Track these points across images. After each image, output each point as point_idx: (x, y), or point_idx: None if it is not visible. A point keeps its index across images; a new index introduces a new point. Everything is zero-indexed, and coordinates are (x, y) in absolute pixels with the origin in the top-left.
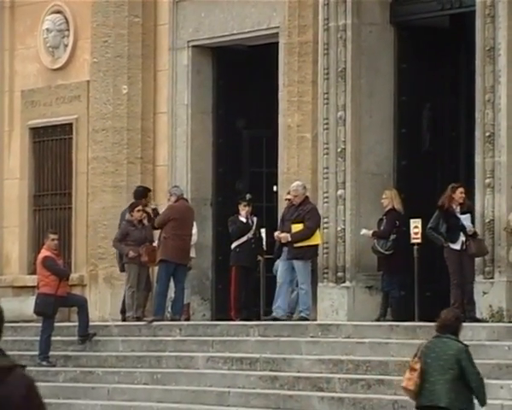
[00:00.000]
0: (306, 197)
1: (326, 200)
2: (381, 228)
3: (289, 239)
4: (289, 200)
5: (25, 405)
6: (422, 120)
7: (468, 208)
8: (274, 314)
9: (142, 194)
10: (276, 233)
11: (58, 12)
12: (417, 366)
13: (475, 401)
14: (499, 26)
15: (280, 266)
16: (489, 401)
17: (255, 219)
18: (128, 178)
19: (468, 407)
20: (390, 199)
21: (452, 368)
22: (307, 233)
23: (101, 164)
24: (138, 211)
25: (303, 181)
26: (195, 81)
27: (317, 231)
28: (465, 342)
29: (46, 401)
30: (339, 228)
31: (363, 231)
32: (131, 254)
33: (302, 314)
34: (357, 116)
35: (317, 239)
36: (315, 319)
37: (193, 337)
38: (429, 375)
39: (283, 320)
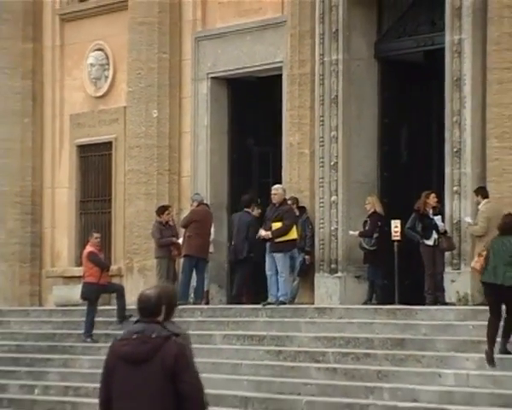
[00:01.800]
0: (284, 199)
1: (321, 205)
2: (366, 228)
3: (270, 236)
4: (273, 204)
5: (174, 363)
6: (401, 139)
7: (440, 211)
8: (268, 300)
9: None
10: (260, 232)
11: (100, 49)
12: (484, 254)
13: None
14: (464, 60)
15: (266, 259)
16: (457, 371)
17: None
18: (158, 187)
19: None
20: (372, 204)
21: (510, 255)
22: (285, 229)
23: (135, 175)
24: (167, 215)
25: (302, 189)
26: (213, 107)
27: (294, 228)
28: None
29: (90, 371)
30: (332, 228)
31: (351, 233)
32: (174, 240)
33: (281, 299)
34: (347, 135)
35: (293, 234)
36: (313, 303)
37: (211, 319)
38: (492, 261)
39: (276, 304)
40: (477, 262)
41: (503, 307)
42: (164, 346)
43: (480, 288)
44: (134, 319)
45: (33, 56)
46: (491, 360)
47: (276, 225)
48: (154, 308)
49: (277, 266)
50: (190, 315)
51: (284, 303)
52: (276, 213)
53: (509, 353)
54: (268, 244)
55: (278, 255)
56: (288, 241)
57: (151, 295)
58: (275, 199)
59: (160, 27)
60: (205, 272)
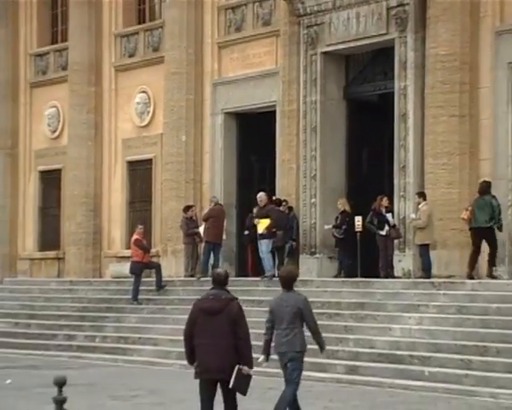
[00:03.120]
0: (267, 202)
1: (304, 205)
2: (337, 222)
3: (260, 231)
4: (259, 206)
5: (235, 315)
6: (362, 157)
7: (390, 210)
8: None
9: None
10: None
11: (144, 92)
12: (469, 208)
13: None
14: (408, 101)
15: (259, 246)
16: (402, 326)
17: None
18: (185, 192)
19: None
20: (342, 204)
21: (488, 208)
22: (272, 224)
23: (168, 183)
24: (191, 212)
25: (290, 194)
26: (226, 134)
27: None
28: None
29: (135, 325)
30: (312, 222)
31: (326, 226)
32: (201, 229)
33: (265, 274)
34: (323, 155)
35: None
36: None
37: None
38: (475, 213)
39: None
40: (465, 214)
41: (484, 243)
42: (229, 304)
43: (419, 265)
44: (168, 288)
45: (95, 97)
46: (471, 278)
47: (265, 222)
48: (224, 280)
49: (260, 249)
50: (209, 285)
51: (267, 277)
52: (262, 212)
53: (494, 277)
54: (258, 234)
55: (262, 241)
56: (269, 231)
57: (221, 272)
58: (261, 203)
59: (187, 76)
60: (219, 254)
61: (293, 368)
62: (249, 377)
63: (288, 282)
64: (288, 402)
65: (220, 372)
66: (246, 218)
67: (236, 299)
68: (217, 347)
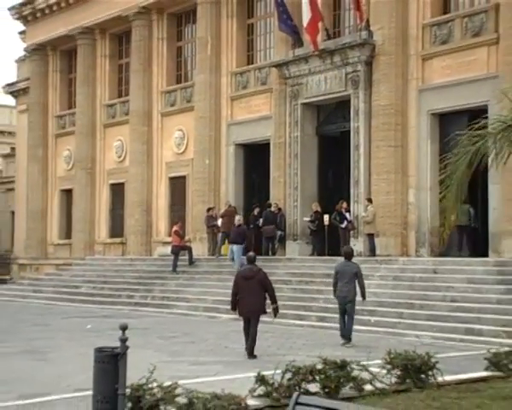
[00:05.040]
0: (241, 223)
1: (289, 207)
2: (312, 218)
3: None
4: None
5: (263, 279)
6: (329, 175)
7: (348, 210)
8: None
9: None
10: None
11: (180, 130)
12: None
13: None
14: (360, 136)
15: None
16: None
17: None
18: (208, 198)
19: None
20: (315, 206)
21: (467, 213)
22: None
23: (197, 192)
24: (212, 211)
25: (280, 199)
26: (236, 159)
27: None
28: None
29: (175, 288)
30: (294, 218)
31: (304, 218)
32: (238, 218)
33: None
34: (302, 173)
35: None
36: (284, 256)
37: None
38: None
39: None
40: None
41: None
42: (259, 272)
43: (367, 248)
44: (196, 264)
45: (147, 133)
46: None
47: (226, 247)
48: (253, 259)
49: (235, 253)
50: (223, 262)
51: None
52: (236, 230)
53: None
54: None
55: (234, 246)
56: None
57: (251, 255)
58: (237, 222)
59: (210, 119)
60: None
61: (351, 306)
62: (277, 309)
63: (348, 255)
64: (352, 326)
65: (251, 313)
66: (249, 216)
67: (261, 269)
68: (249, 299)
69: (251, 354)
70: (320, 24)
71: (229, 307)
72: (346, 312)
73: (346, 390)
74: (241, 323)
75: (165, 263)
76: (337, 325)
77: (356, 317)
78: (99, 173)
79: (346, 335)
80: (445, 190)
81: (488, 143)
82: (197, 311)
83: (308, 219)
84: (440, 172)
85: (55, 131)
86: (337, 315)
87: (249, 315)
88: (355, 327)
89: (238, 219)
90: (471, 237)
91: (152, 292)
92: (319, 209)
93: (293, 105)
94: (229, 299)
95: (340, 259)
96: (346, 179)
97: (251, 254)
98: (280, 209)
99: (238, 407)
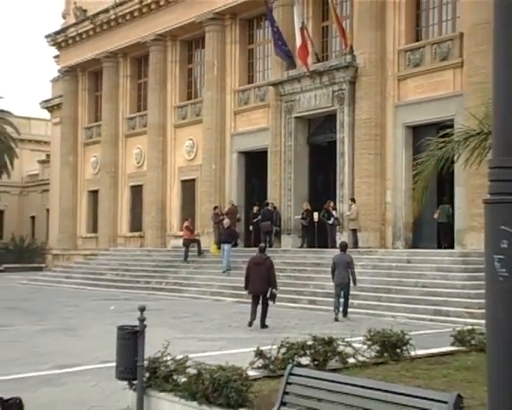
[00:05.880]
0: (229, 225)
1: (284, 206)
2: (303, 216)
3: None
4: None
5: (270, 266)
6: (318, 179)
7: (334, 208)
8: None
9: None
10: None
11: (191, 139)
12: (438, 211)
13: None
14: (345, 145)
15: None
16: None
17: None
18: (214, 198)
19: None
20: (306, 205)
21: (447, 211)
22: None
23: (205, 193)
24: (217, 209)
25: (276, 199)
26: (239, 166)
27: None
28: None
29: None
30: (288, 215)
31: (296, 217)
32: (226, 221)
33: (224, 270)
34: (295, 177)
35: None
36: (280, 247)
37: (238, 253)
38: (441, 214)
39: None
40: (436, 214)
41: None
42: (266, 260)
43: (351, 241)
44: (204, 254)
45: (162, 143)
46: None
47: (214, 247)
48: (263, 249)
49: (223, 252)
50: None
51: (224, 272)
52: (227, 231)
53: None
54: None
55: (224, 245)
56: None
57: (262, 245)
58: (225, 225)
59: (216, 130)
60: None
61: (346, 291)
62: (274, 295)
63: (343, 247)
64: (347, 305)
65: (260, 291)
66: (250, 214)
67: (269, 257)
68: (258, 281)
69: (263, 324)
70: (310, 49)
71: (232, 291)
72: (343, 294)
73: (333, 363)
74: (242, 305)
75: (178, 254)
76: (325, 307)
77: (341, 300)
78: (121, 177)
79: (344, 312)
80: (415, 183)
81: (453, 148)
82: (205, 295)
83: (300, 216)
84: (413, 169)
85: (83, 141)
86: (325, 299)
87: (258, 293)
88: (340, 308)
89: (226, 222)
90: (449, 233)
91: (166, 279)
92: (309, 208)
93: (287, 118)
94: (232, 285)
95: (328, 250)
96: (332, 182)
97: (262, 245)
98: (276, 208)
99: (240, 377)
